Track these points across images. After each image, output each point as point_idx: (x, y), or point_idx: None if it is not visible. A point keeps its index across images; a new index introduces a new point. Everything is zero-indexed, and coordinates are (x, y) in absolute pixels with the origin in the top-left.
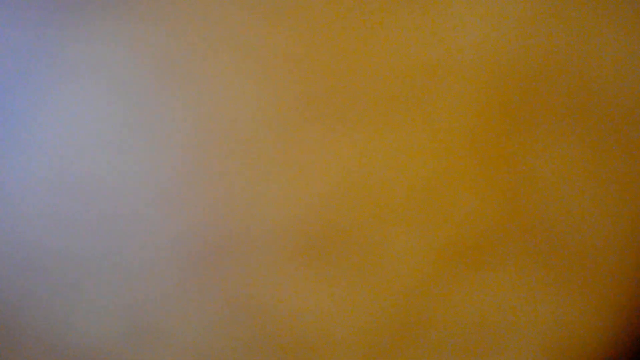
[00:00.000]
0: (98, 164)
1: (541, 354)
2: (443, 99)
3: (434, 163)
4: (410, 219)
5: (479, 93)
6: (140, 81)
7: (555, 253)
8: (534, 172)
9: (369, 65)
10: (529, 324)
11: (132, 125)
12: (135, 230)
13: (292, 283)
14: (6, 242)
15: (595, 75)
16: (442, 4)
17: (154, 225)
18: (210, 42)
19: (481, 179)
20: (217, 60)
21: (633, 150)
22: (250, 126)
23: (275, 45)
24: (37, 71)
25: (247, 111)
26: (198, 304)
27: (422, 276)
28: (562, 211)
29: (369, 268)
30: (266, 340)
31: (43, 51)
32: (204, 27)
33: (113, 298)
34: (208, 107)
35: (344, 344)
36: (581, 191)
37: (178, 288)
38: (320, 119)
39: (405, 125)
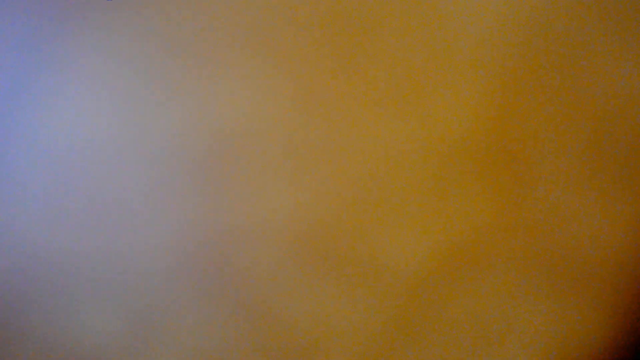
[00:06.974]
0: (96, 165)
1: (539, 355)
2: (441, 99)
3: (432, 164)
4: (410, 219)
5: (477, 94)
6: (138, 85)
7: (554, 254)
8: (533, 173)
9: (366, 64)
10: (527, 325)
11: (130, 126)
12: (134, 229)
13: (291, 282)
14: (6, 242)
15: (594, 77)
16: (442, 3)
17: (152, 224)
18: (206, 48)
19: (480, 179)
20: (212, 64)
21: (631, 153)
22: (248, 126)
23: (272, 45)
24: (38, 77)
25: (244, 111)
26: (196, 303)
27: (420, 276)
28: (560, 212)
29: (367, 268)
30: (264, 339)
31: (46, 59)
32: (199, 33)
33: (111, 297)
34: (204, 108)
35: (342, 343)
36: (579, 192)
37: (177, 287)
38: (318, 118)
39: (404, 125)
